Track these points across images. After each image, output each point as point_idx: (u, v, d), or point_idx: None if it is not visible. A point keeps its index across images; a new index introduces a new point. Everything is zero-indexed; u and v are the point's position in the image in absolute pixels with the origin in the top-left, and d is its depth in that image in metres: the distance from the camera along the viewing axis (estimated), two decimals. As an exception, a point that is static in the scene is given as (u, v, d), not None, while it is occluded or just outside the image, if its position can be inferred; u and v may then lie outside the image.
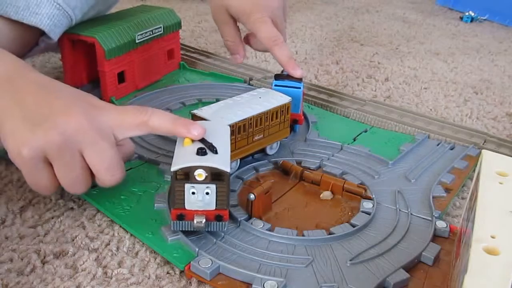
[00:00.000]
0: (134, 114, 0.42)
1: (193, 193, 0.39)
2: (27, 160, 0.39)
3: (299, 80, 0.57)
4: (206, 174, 0.38)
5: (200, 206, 0.40)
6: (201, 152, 0.39)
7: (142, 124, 0.42)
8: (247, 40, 0.66)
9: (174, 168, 0.38)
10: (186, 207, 0.40)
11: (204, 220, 0.40)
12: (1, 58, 0.44)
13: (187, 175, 0.38)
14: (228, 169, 0.38)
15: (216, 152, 0.39)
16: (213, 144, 0.40)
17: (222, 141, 0.42)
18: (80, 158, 0.40)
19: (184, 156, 0.39)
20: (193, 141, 0.41)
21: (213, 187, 0.39)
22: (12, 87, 0.41)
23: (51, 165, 0.40)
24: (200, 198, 0.39)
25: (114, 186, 0.43)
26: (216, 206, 0.40)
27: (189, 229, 0.40)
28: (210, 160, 0.38)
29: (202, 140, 0.41)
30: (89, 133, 0.40)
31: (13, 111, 0.40)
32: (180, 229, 0.41)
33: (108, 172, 0.41)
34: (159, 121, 0.41)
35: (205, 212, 0.40)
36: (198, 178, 0.38)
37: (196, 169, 0.38)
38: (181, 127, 0.41)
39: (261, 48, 0.64)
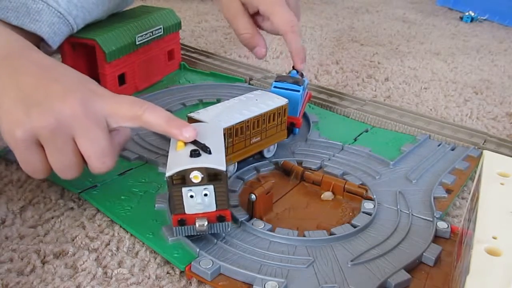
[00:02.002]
0: (130, 106, 0.41)
1: (191, 196, 0.38)
2: (20, 141, 0.39)
3: (299, 83, 0.57)
4: (202, 176, 0.38)
5: (200, 208, 0.39)
6: (194, 154, 0.38)
7: (135, 118, 0.41)
8: (255, 21, 0.61)
9: (169, 173, 0.38)
10: (186, 212, 0.39)
11: (206, 223, 0.39)
12: (4, 37, 0.43)
13: (183, 179, 0.38)
14: (224, 168, 0.38)
15: (209, 153, 0.39)
16: (206, 144, 0.39)
17: (215, 141, 0.41)
18: (72, 144, 0.40)
19: (177, 160, 0.38)
20: (186, 144, 0.40)
21: (211, 188, 0.38)
22: (11, 66, 0.41)
23: (44, 148, 0.40)
24: (199, 200, 0.39)
25: (105, 173, 0.42)
26: (216, 207, 0.39)
27: (192, 234, 0.40)
28: (204, 161, 0.38)
29: (194, 142, 0.40)
30: (83, 120, 0.39)
31: (10, 91, 0.39)
32: (183, 235, 0.40)
33: (99, 160, 0.41)
34: (153, 117, 0.41)
35: (206, 215, 0.39)
36: (194, 181, 0.38)
37: (191, 171, 0.37)
38: (174, 128, 0.40)
39: (273, 31, 0.60)
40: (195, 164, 0.38)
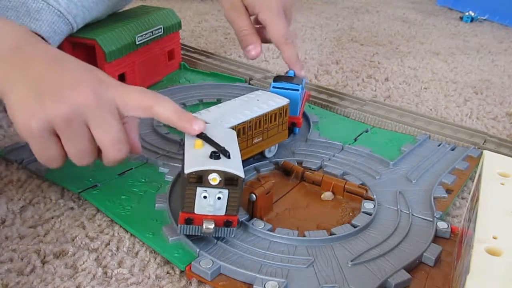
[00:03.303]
0: (140, 96, 0.42)
1: (205, 197, 0.38)
2: (36, 131, 0.39)
3: (298, 82, 0.57)
4: (220, 179, 0.38)
5: (210, 211, 0.39)
6: (214, 156, 0.38)
7: (146, 108, 0.41)
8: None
9: (188, 170, 0.37)
10: (196, 211, 0.39)
11: (213, 226, 0.39)
12: (11, 28, 0.44)
13: (200, 178, 0.38)
14: (242, 175, 0.38)
15: (229, 157, 0.39)
16: (225, 148, 0.39)
17: (232, 145, 0.41)
18: (87, 131, 0.40)
19: (197, 159, 0.38)
20: (204, 144, 0.40)
21: (225, 192, 0.38)
22: (21, 58, 0.41)
23: (58, 137, 0.40)
24: (211, 202, 0.38)
25: (120, 161, 0.42)
26: (226, 211, 0.39)
27: (196, 234, 0.40)
28: (224, 165, 0.38)
29: (214, 144, 0.40)
30: (96, 108, 0.40)
31: (21, 82, 0.40)
32: (187, 233, 0.40)
33: (114, 147, 0.41)
34: (164, 110, 0.41)
35: (215, 217, 0.39)
36: (212, 182, 0.38)
37: (211, 173, 0.37)
38: (184, 121, 0.41)
39: (269, 40, 0.62)
40: (215, 166, 0.38)
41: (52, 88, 0.39)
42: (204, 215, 0.39)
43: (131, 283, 0.39)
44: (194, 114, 0.48)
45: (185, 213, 0.39)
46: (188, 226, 0.39)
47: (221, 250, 0.41)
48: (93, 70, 0.43)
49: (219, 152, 0.39)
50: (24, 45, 0.42)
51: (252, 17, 0.61)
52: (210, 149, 0.39)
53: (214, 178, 0.38)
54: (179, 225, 0.40)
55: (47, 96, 0.39)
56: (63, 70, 0.41)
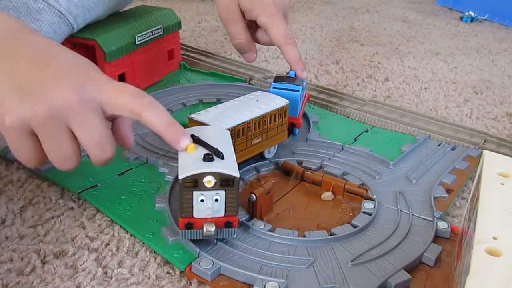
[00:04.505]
0: (130, 98, 0.39)
1: (202, 200, 0.38)
2: (9, 129, 0.37)
3: (298, 83, 0.57)
4: (215, 181, 0.37)
5: (209, 213, 0.39)
6: (207, 158, 0.38)
7: (134, 113, 0.39)
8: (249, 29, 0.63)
9: (182, 176, 0.37)
10: (195, 215, 0.39)
11: (214, 228, 0.39)
12: (2, 20, 0.42)
13: (195, 182, 0.37)
14: (237, 174, 0.38)
15: (222, 158, 0.39)
16: (218, 149, 0.39)
17: (226, 146, 0.41)
18: (67, 134, 0.38)
19: (190, 163, 0.38)
20: (197, 147, 0.40)
21: (222, 193, 0.38)
22: (6, 50, 0.39)
23: (37, 137, 0.39)
24: (209, 205, 0.38)
25: (107, 162, 0.41)
26: (225, 212, 0.39)
27: (198, 238, 0.40)
28: (218, 166, 0.38)
29: (207, 146, 0.40)
30: (77, 108, 0.37)
31: (4, 76, 0.38)
32: (189, 238, 0.40)
33: (99, 148, 0.39)
34: (152, 118, 0.39)
35: (215, 219, 0.39)
36: (207, 185, 0.37)
37: (205, 175, 0.37)
38: (171, 134, 0.40)
39: (267, 42, 0.62)
40: (209, 169, 0.37)
41: (32, 86, 0.37)
42: (203, 218, 0.39)
43: (131, 283, 0.39)
44: (192, 115, 0.48)
45: (185, 218, 0.39)
46: (189, 230, 0.39)
47: (221, 250, 0.41)
48: (79, 63, 0.41)
49: (212, 153, 0.39)
50: (12, 38, 0.40)
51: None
52: (203, 151, 0.39)
53: (209, 181, 0.37)
54: (180, 231, 0.40)
55: (27, 94, 0.37)
56: (47, 65, 0.39)
